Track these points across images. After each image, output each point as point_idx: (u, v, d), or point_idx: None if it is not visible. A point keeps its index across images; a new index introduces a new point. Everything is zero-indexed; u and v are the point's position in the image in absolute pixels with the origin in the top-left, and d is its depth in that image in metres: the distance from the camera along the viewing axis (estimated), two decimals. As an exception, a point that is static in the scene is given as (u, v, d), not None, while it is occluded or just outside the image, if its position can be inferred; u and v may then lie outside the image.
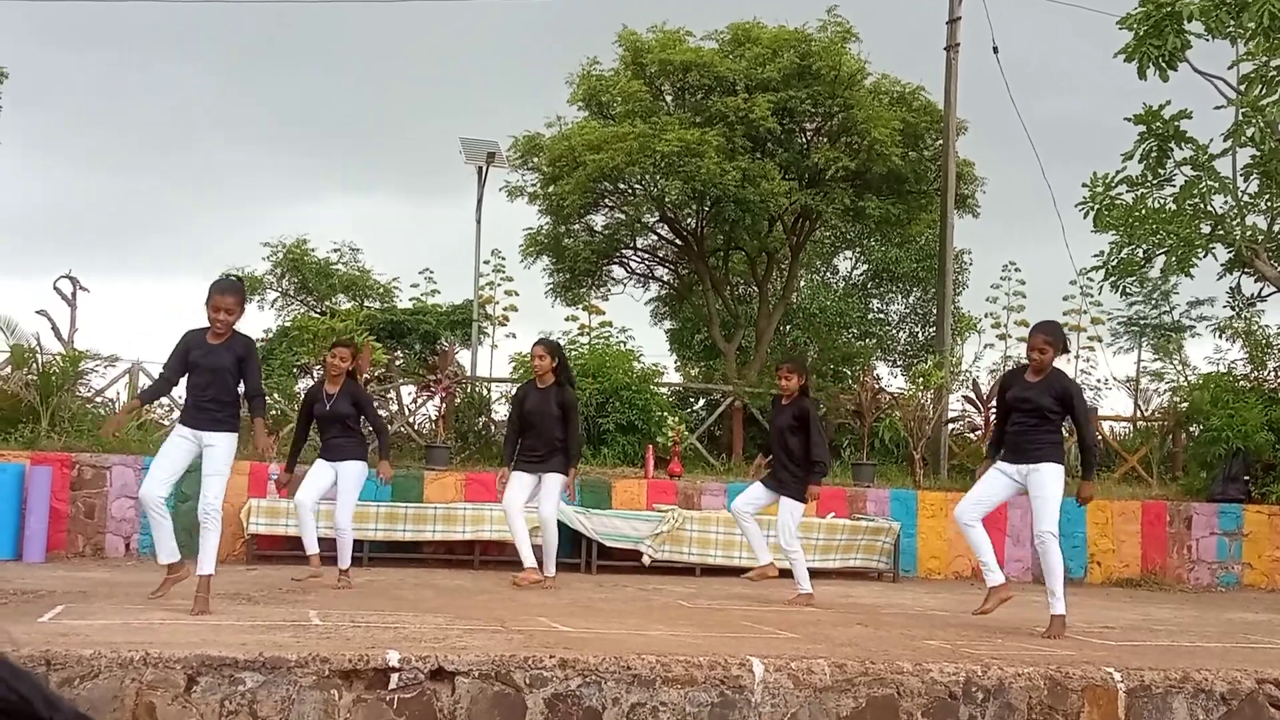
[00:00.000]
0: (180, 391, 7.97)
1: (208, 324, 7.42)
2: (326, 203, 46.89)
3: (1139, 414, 18.92)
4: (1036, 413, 7.92)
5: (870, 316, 26.08)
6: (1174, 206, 14.09)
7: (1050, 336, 8.01)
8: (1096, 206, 14.22)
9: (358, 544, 11.30)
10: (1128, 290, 15.61)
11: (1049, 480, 7.84)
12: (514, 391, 10.51)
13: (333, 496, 9.52)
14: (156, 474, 7.44)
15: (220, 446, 7.31)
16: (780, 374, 9.71)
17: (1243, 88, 13.44)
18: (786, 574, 9.79)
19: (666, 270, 22.32)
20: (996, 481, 8.10)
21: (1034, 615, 8.85)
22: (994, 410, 13.66)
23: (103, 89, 48.10)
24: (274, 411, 14.31)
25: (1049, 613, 7.77)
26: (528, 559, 9.81)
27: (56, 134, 44.81)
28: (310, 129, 50.10)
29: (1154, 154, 13.90)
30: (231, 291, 7.47)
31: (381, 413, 15.50)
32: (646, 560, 11.83)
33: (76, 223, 45.71)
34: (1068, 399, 8.00)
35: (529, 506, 10.04)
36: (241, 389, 7.52)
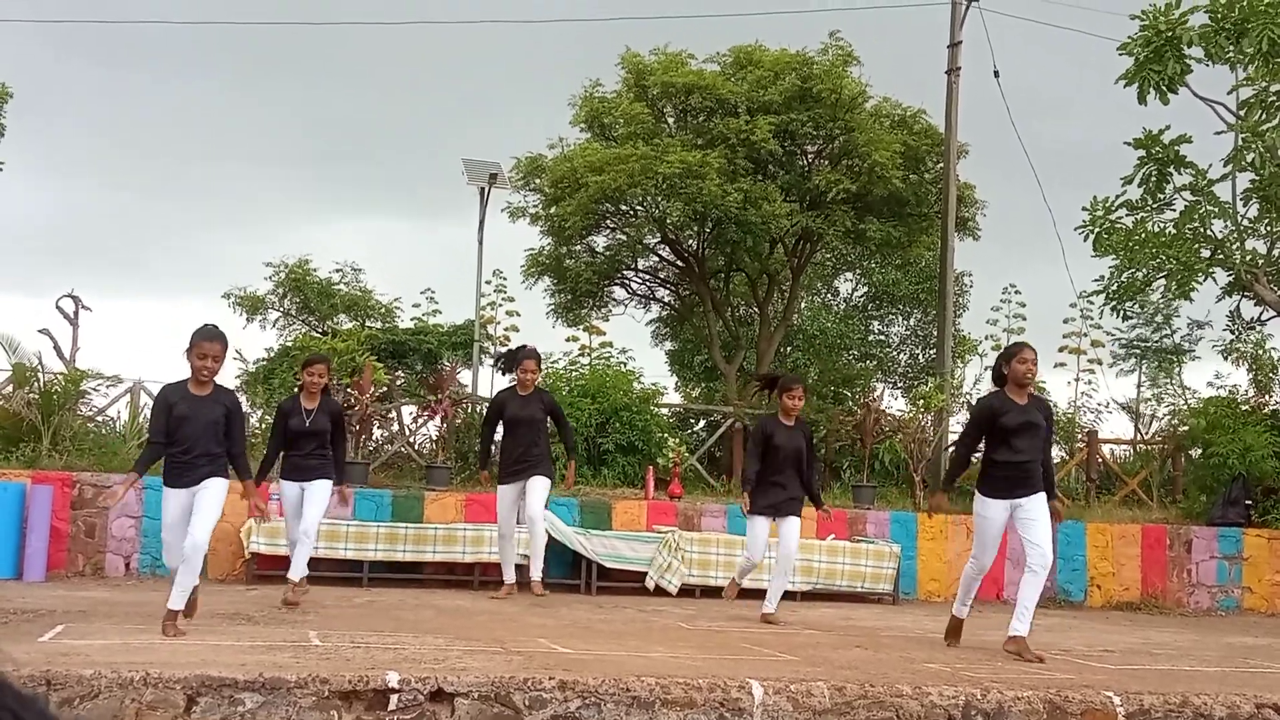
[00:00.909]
0: None
1: (190, 373, 7.20)
2: (331, 222, 47.03)
3: (1139, 437, 18.92)
4: (1038, 433, 7.69)
5: (871, 338, 26.10)
6: (1174, 231, 14.14)
7: (1035, 352, 7.90)
8: (1096, 230, 14.27)
9: (357, 564, 11.33)
10: (1128, 314, 15.63)
11: (1045, 507, 7.69)
12: (492, 400, 10.57)
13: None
14: (174, 546, 7.22)
15: (213, 488, 7.16)
16: (795, 394, 9.50)
17: (1243, 113, 13.50)
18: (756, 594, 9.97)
19: (667, 291, 22.37)
20: (997, 528, 7.81)
21: (1036, 638, 8.84)
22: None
23: (111, 106, 48.28)
24: (263, 425, 14.30)
25: (1010, 634, 7.80)
26: (509, 576, 10.30)
27: (63, 151, 44.97)
28: (316, 148, 50.29)
29: (1154, 178, 13.95)
30: (218, 339, 7.23)
31: (382, 432, 15.54)
32: (650, 584, 11.83)
33: (82, 240, 45.86)
34: (1050, 419, 7.99)
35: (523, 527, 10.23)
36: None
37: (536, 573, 10.14)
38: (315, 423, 9.25)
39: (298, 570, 9.16)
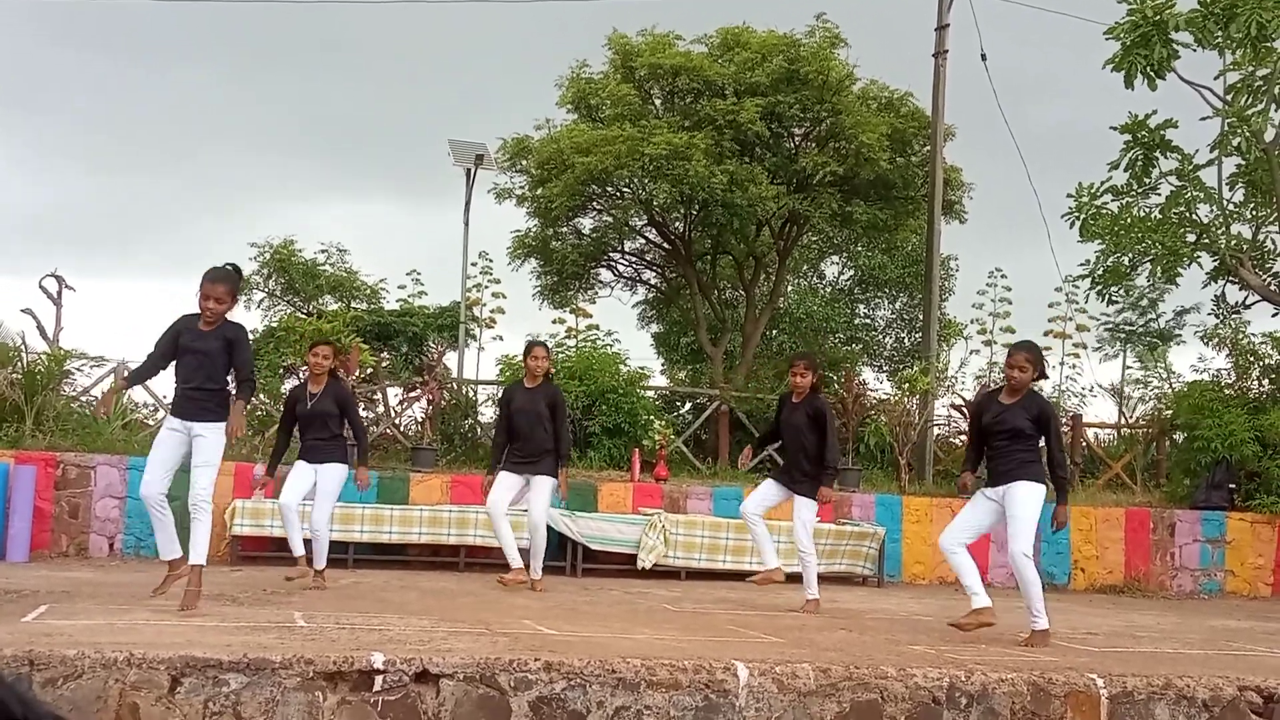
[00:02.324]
0: (161, 384, 7.82)
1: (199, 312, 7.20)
2: (323, 205, 47.04)
3: (1123, 421, 18.98)
4: (1010, 434, 7.72)
5: (857, 322, 26.15)
6: (1159, 215, 14.16)
7: (1031, 355, 7.88)
8: (1082, 216, 14.29)
9: (343, 545, 11.30)
10: (1113, 298, 15.65)
11: (1024, 499, 7.64)
12: (500, 393, 10.29)
13: (313, 497, 9.37)
14: (154, 471, 7.29)
15: (210, 437, 7.14)
16: (795, 371, 9.33)
17: (1229, 98, 13.51)
18: (793, 579, 9.60)
19: (654, 274, 22.35)
20: (980, 508, 7.84)
21: (1018, 621, 8.87)
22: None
23: (106, 92, 48.18)
24: (259, 412, 14.27)
25: (1031, 628, 7.66)
26: (514, 560, 9.74)
27: (57, 137, 44.89)
28: (307, 132, 50.25)
29: (1140, 163, 13.96)
30: (223, 280, 7.17)
31: (367, 414, 15.50)
32: (643, 564, 11.80)
33: (72, 223, 45.83)
34: (1044, 420, 7.86)
35: (518, 510, 10.02)
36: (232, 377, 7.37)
37: (537, 571, 9.95)
38: (318, 405, 9.20)
39: (320, 561, 9.20)
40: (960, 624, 7.78)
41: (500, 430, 10.01)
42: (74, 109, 46.27)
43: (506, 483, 9.75)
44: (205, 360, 7.15)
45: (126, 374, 7.53)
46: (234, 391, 7.42)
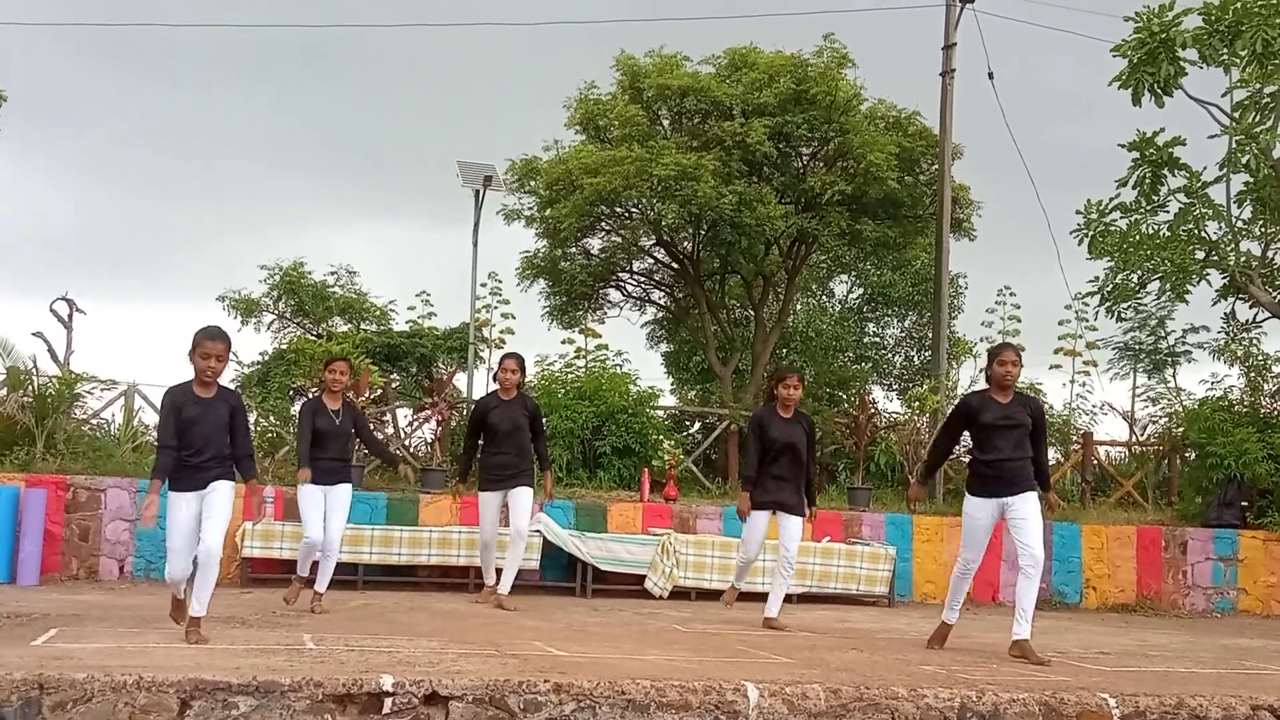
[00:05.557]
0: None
1: (193, 374, 7.05)
2: (346, 226, 47.16)
3: (1134, 439, 18.92)
4: (1019, 431, 7.71)
5: (866, 340, 26.14)
6: (1168, 233, 14.15)
7: (1019, 352, 7.96)
8: (1091, 233, 14.28)
9: (352, 567, 11.30)
10: (1122, 316, 15.62)
11: (1036, 508, 7.74)
12: (474, 407, 10.30)
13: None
14: (183, 555, 7.00)
15: (221, 490, 6.99)
16: (791, 384, 9.17)
17: (1237, 115, 13.51)
18: (758, 597, 9.70)
19: (663, 293, 22.36)
20: (983, 527, 7.85)
21: (1045, 641, 8.84)
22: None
23: (135, 110, 48.41)
24: (270, 434, 14.29)
25: (1014, 638, 7.73)
26: (490, 577, 9.93)
27: (89, 154, 45.09)
28: (333, 155, 50.44)
29: (1148, 180, 13.96)
30: (221, 338, 7.08)
31: (376, 435, 15.51)
32: (657, 593, 11.79)
33: (102, 244, 45.98)
34: (1040, 418, 7.93)
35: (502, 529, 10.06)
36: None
37: (506, 587, 9.87)
38: (342, 425, 9.20)
39: (323, 585, 9.17)
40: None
41: (471, 442, 9.98)
42: (103, 127, 46.52)
43: (494, 505, 9.79)
44: (215, 433, 7.02)
45: (154, 471, 7.05)
46: (240, 471, 7.22)
